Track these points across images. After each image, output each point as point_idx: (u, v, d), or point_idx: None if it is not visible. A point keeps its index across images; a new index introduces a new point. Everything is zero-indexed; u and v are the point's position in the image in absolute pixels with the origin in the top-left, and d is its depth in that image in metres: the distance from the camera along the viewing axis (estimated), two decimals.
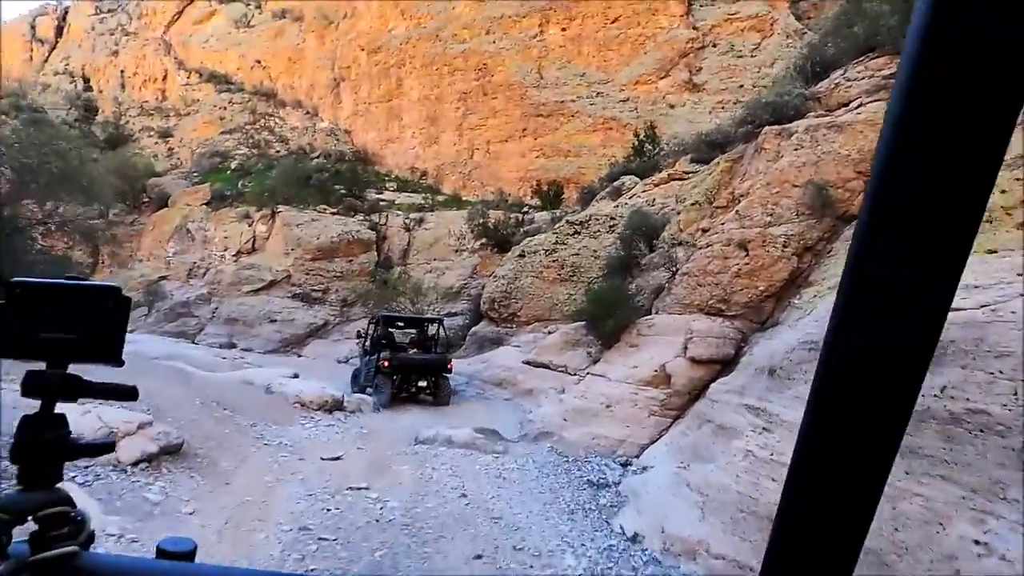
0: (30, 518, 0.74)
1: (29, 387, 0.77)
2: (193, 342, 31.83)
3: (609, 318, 13.33)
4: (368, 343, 17.88)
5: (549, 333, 17.66)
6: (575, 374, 13.84)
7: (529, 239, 23.10)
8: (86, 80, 66.77)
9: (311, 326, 31.59)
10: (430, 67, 43.39)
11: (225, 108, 56.42)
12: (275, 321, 31.40)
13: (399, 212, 37.08)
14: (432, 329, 18.35)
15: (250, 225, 37.26)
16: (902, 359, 0.44)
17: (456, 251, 32.71)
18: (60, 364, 0.78)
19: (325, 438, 10.40)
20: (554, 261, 21.53)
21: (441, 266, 31.73)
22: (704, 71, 35.02)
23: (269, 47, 58.14)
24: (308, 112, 54.02)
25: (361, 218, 36.52)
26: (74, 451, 0.79)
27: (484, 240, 30.08)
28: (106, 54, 67.08)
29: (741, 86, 33.57)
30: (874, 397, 0.45)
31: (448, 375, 15.91)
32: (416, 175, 43.40)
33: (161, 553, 0.80)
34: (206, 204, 40.71)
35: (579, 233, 21.68)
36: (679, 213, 15.17)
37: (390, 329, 17.85)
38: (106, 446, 0.84)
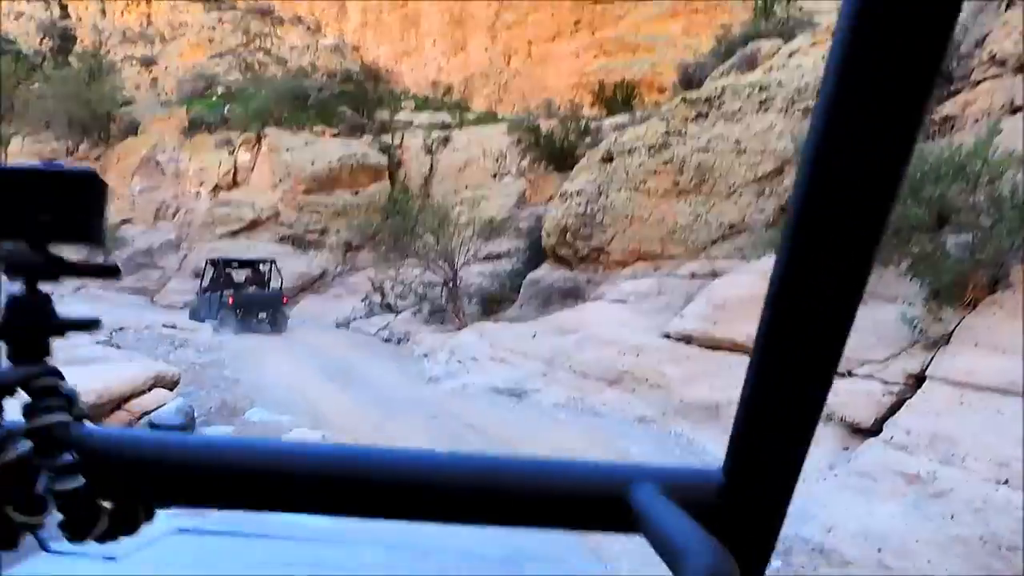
0: (20, 391, 0.70)
1: (12, 266, 0.73)
2: (152, 300, 24.40)
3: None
4: (207, 283, 19.72)
5: (701, 274, 9.42)
6: (852, 374, 5.72)
7: (619, 134, 14.79)
8: (63, 7, 58.73)
9: (304, 277, 23.79)
10: None
11: (214, 29, 48.48)
12: None
13: (418, 131, 28.78)
14: (264, 268, 20.42)
15: (231, 153, 29.29)
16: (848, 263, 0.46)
17: (495, 175, 24.61)
18: (40, 244, 0.72)
19: None
20: (666, 163, 13.27)
21: (476, 195, 23.49)
22: None
23: None
24: (309, 28, 45.77)
25: (369, 140, 28.32)
26: (60, 326, 0.73)
27: (534, 157, 21.77)
28: None
29: None
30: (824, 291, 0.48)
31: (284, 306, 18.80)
32: (439, 92, 35.03)
33: (153, 427, 0.81)
34: (181, 133, 32.79)
35: (704, 116, 13.32)
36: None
37: (227, 270, 20.10)
38: (91, 322, 0.76)
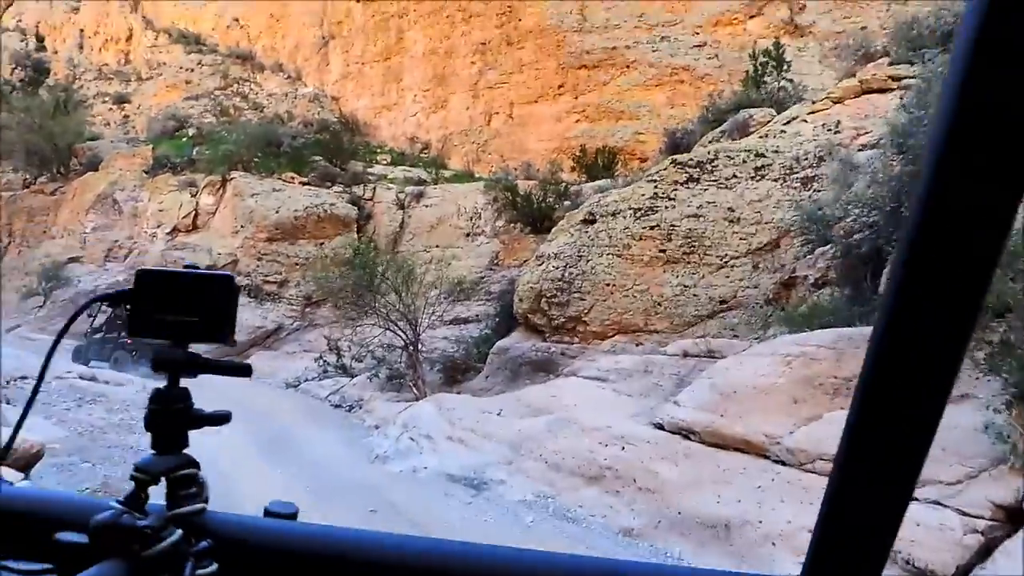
0: (163, 479, 0.80)
1: (159, 363, 0.83)
2: None
3: None
4: (102, 323, 19.12)
5: (695, 354, 8.23)
6: (914, 498, 4.63)
7: (603, 195, 13.83)
8: (40, 39, 57.88)
9: (257, 331, 22.19)
10: (439, 14, 34.39)
11: (192, 71, 47.70)
12: None
13: (391, 185, 27.76)
14: None
15: (193, 195, 27.94)
16: (939, 354, 0.46)
17: (468, 235, 23.51)
18: (182, 343, 0.83)
19: None
20: (652, 228, 12.29)
21: (446, 254, 22.33)
22: (810, 9, 26.04)
23: (249, 3, 49.10)
24: (289, 77, 45.15)
25: (339, 190, 27.21)
26: (198, 420, 0.83)
27: (510, 218, 20.80)
28: (64, 11, 58.19)
29: (864, 28, 24.52)
30: (913, 390, 0.48)
31: None
32: (416, 147, 34.25)
33: (268, 514, 0.86)
34: (144, 172, 31.40)
35: (696, 181, 12.41)
36: None
37: (124, 309, 18.76)
38: (225, 416, 0.86)
